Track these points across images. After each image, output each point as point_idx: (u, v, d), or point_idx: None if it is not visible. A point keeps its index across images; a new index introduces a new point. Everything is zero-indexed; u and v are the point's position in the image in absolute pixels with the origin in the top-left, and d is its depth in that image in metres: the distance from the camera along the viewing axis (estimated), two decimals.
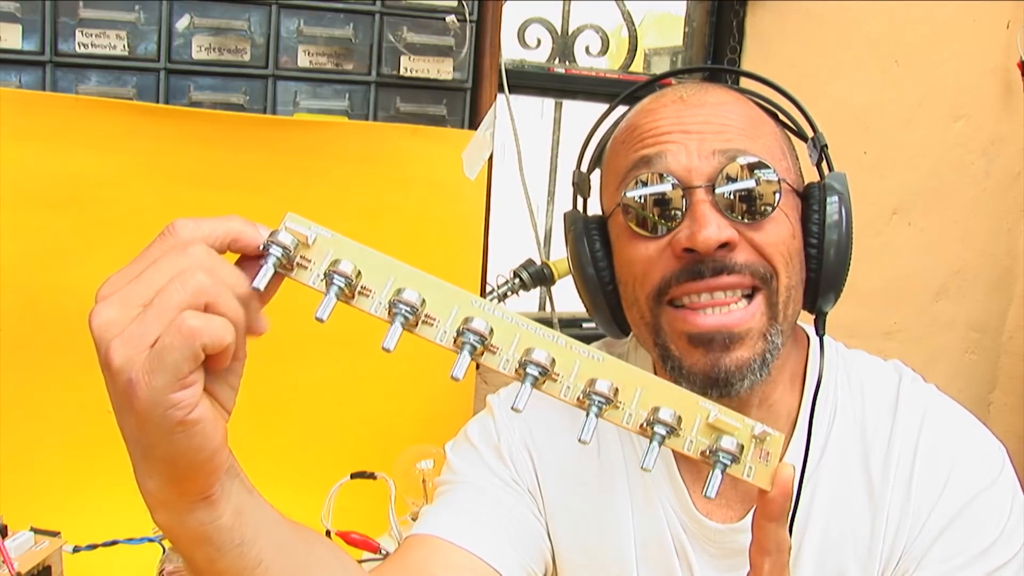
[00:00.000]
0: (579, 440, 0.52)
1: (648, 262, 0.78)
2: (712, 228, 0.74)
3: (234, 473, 0.55)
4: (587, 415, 0.53)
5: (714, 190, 0.76)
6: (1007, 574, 0.78)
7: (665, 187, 0.76)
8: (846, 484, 0.84)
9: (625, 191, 0.78)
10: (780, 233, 0.78)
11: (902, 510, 0.81)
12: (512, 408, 0.53)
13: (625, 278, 0.82)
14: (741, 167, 0.76)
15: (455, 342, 0.53)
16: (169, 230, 0.50)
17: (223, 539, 0.54)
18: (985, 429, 0.86)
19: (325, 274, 0.52)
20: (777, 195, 0.76)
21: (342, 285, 0.52)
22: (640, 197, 0.77)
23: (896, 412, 0.85)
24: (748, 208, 0.76)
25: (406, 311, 0.52)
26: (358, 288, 0.53)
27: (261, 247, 0.52)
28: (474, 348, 0.52)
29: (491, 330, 0.53)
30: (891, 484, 0.82)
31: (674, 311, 0.78)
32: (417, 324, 0.53)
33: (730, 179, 0.75)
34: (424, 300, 0.52)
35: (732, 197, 0.75)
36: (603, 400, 0.53)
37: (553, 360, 0.53)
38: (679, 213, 0.76)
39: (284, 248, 0.51)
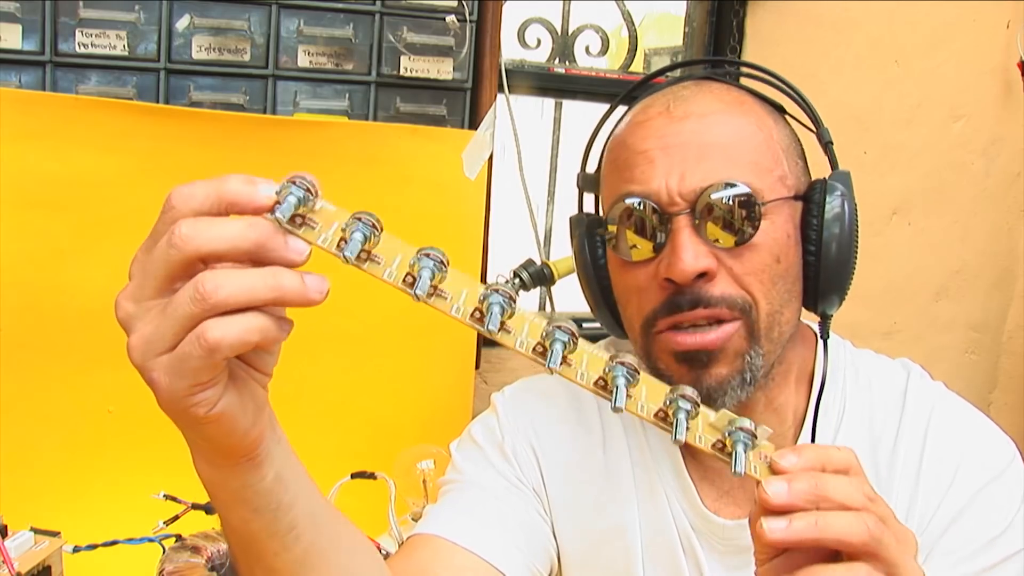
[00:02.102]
0: (613, 408, 0.52)
1: (638, 292, 0.80)
2: (689, 257, 0.74)
3: (277, 437, 0.55)
4: (616, 386, 0.52)
5: (694, 217, 0.76)
6: (1016, 564, 0.78)
7: (647, 215, 0.77)
8: None
9: (611, 218, 0.80)
10: (760, 260, 0.77)
11: (909, 505, 0.81)
12: (549, 368, 0.52)
13: (621, 300, 0.84)
14: (721, 192, 0.75)
15: (472, 314, 0.51)
16: (167, 204, 0.49)
17: (260, 502, 0.55)
18: (993, 425, 0.86)
19: (346, 225, 0.49)
20: (758, 220, 0.76)
21: (367, 231, 0.49)
22: (625, 226, 0.78)
23: (904, 409, 0.85)
24: (728, 234, 0.76)
25: (434, 264, 0.50)
26: (372, 254, 0.50)
27: (282, 182, 0.49)
28: (503, 309, 0.50)
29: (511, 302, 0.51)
30: (898, 479, 0.82)
31: (660, 336, 0.79)
32: (434, 293, 0.51)
33: (709, 205, 0.75)
34: (446, 261, 0.50)
35: (712, 223, 0.75)
36: (630, 369, 0.53)
37: (574, 332, 0.52)
38: (661, 240, 0.77)
39: (307, 188, 0.48)
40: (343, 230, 0.49)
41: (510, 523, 0.85)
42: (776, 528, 0.54)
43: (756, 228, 0.76)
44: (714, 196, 0.75)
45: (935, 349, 2.02)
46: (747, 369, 0.77)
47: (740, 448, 0.54)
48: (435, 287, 0.51)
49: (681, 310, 0.76)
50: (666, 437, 0.55)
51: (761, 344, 0.78)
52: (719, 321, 0.77)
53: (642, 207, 0.77)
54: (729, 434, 0.55)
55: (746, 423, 0.55)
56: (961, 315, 2.04)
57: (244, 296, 0.47)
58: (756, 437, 0.55)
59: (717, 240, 0.76)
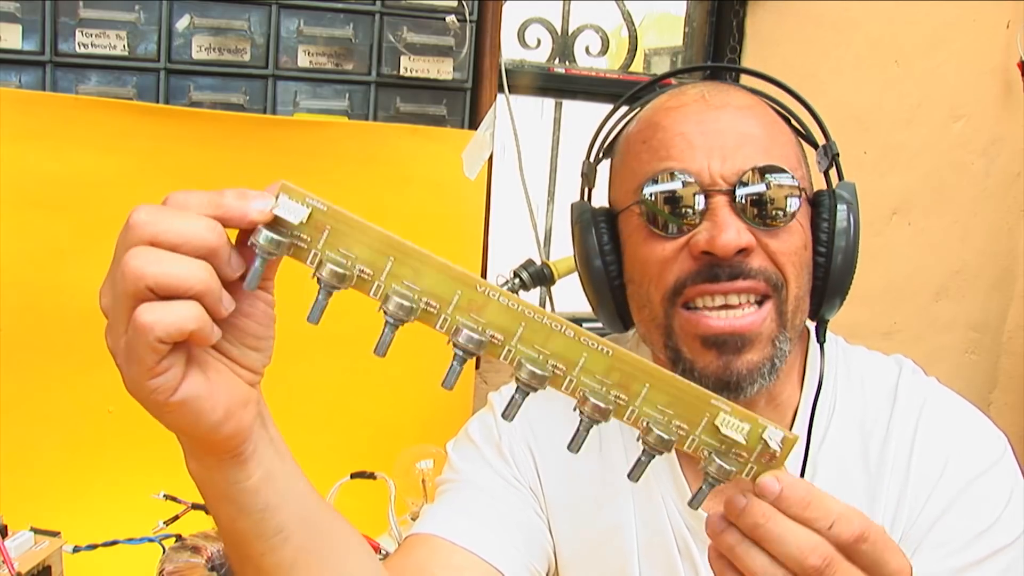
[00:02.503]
0: (567, 448, 0.53)
1: (663, 263, 0.79)
2: (732, 232, 0.75)
3: (269, 437, 0.55)
4: (577, 427, 0.53)
5: (735, 195, 0.76)
6: (1006, 558, 0.78)
7: (686, 190, 0.77)
8: (844, 474, 0.84)
9: (645, 191, 0.79)
10: (794, 243, 0.79)
11: (899, 497, 0.82)
12: (501, 415, 0.53)
13: (637, 277, 0.83)
14: (762, 174, 0.77)
15: (455, 333, 0.51)
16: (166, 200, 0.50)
17: (246, 501, 0.55)
18: (986, 418, 0.86)
19: (315, 274, 0.50)
20: (795, 203, 0.78)
21: (335, 285, 0.50)
22: (660, 198, 0.78)
23: (895, 402, 0.86)
24: (766, 214, 0.77)
25: (399, 317, 0.50)
26: (355, 275, 0.50)
27: (250, 243, 0.50)
28: (464, 360, 0.51)
29: (490, 336, 0.51)
30: (888, 472, 0.83)
31: (687, 314, 0.78)
32: (414, 317, 0.51)
33: (750, 185, 0.76)
34: (420, 297, 0.51)
35: (751, 203, 0.76)
36: (591, 421, 0.52)
37: (544, 378, 0.51)
38: (698, 216, 0.77)
39: (272, 247, 0.49)
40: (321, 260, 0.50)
41: (508, 522, 0.85)
42: (714, 526, 0.55)
43: (795, 212, 0.78)
44: (756, 178, 0.76)
45: (935, 349, 2.02)
46: (776, 355, 0.78)
47: (705, 487, 0.54)
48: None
49: (719, 280, 0.76)
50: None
51: (787, 329, 0.79)
52: (752, 302, 0.77)
53: (681, 181, 0.77)
54: (706, 469, 0.54)
55: (725, 467, 0.53)
56: (961, 315, 2.04)
57: (170, 258, 0.47)
58: (727, 480, 0.54)
59: (755, 218, 0.77)
